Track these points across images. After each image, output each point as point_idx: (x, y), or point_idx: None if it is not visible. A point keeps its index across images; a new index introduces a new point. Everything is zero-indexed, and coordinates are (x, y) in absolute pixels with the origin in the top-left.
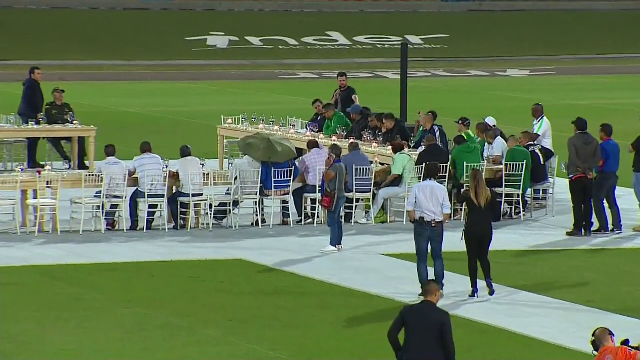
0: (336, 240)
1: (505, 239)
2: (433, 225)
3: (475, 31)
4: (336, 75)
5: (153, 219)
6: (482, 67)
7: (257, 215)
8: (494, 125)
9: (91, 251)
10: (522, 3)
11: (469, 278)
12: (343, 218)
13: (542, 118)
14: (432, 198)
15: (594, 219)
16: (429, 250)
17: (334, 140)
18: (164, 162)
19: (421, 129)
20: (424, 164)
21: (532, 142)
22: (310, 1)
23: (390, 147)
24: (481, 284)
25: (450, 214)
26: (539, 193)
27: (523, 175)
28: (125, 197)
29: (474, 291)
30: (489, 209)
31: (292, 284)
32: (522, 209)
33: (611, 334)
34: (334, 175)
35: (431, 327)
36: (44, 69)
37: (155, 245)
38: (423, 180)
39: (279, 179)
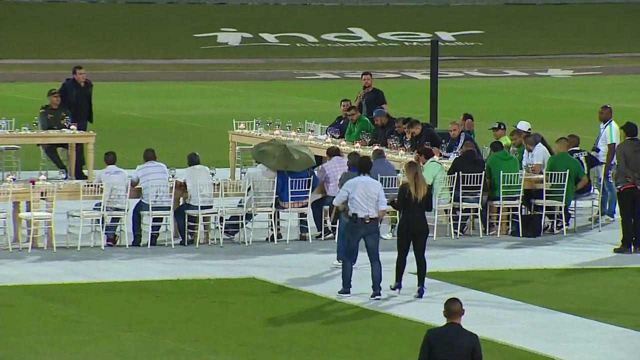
0: (341, 254)
1: (546, 255)
2: (367, 221)
3: (513, 26)
4: (360, 75)
5: (158, 234)
6: (520, 66)
7: (272, 230)
8: (529, 129)
9: (90, 269)
10: None
11: (395, 273)
12: None
13: (610, 122)
14: (365, 194)
15: None
16: (366, 251)
17: (357, 147)
18: (170, 172)
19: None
20: (456, 172)
21: (575, 148)
22: None
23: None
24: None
25: (388, 210)
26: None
27: (566, 186)
28: (128, 210)
29: (398, 286)
30: (424, 204)
31: (310, 305)
32: (564, 223)
33: None
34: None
35: (461, 353)
36: (36, 68)
37: (160, 263)
38: (357, 176)
39: (296, 190)
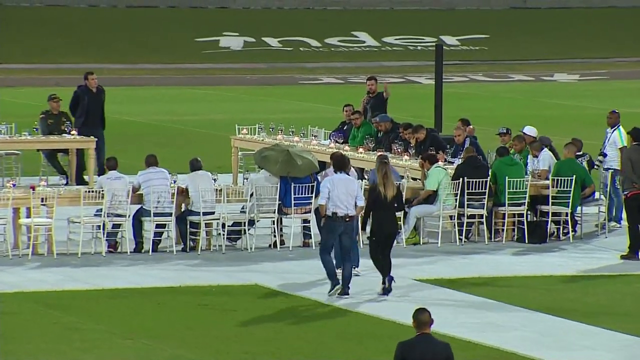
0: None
1: (552, 262)
2: (347, 220)
3: (519, 31)
4: (365, 80)
5: (159, 240)
6: (526, 70)
7: (275, 236)
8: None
9: (90, 276)
10: None
11: (381, 274)
12: None
13: (618, 127)
14: (345, 192)
15: None
16: (340, 249)
17: (360, 153)
18: (172, 177)
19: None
20: (461, 178)
21: (578, 153)
22: None
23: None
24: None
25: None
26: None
27: (572, 191)
28: (129, 216)
29: (387, 289)
30: (394, 204)
31: (313, 312)
32: (570, 229)
33: None
34: None
35: None
36: (36, 73)
37: (162, 270)
38: (335, 173)
39: (300, 196)
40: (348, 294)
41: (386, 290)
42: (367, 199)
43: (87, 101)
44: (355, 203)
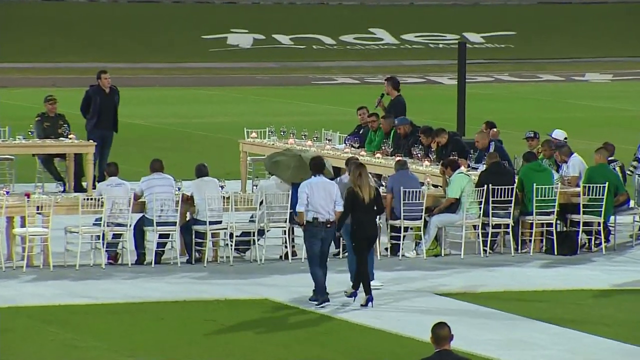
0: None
1: (583, 275)
2: (328, 226)
3: (548, 27)
4: (383, 81)
5: (163, 251)
6: (555, 70)
7: (286, 247)
8: (565, 139)
9: (89, 289)
10: None
11: (361, 284)
12: (389, 250)
13: None
14: (325, 196)
15: None
16: (319, 254)
17: (378, 158)
18: (177, 184)
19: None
20: (485, 185)
21: (610, 158)
22: None
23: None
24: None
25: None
26: None
27: (605, 199)
28: (130, 225)
29: (369, 299)
30: (373, 206)
31: (327, 328)
32: (603, 240)
33: None
34: None
35: None
36: (32, 73)
37: (166, 282)
38: (312, 177)
39: None
40: (328, 301)
41: (368, 301)
42: (344, 203)
43: (99, 102)
44: (335, 207)
